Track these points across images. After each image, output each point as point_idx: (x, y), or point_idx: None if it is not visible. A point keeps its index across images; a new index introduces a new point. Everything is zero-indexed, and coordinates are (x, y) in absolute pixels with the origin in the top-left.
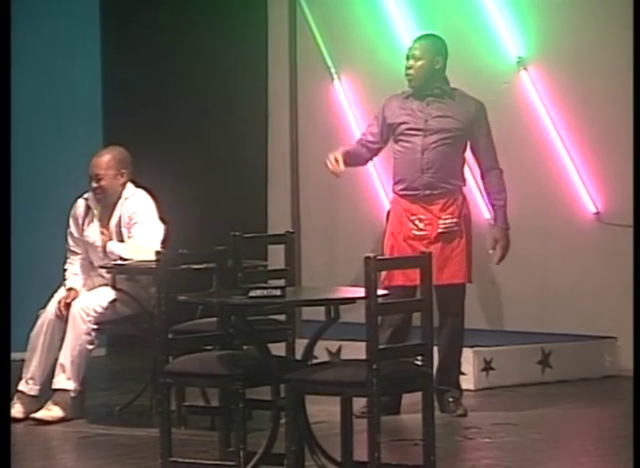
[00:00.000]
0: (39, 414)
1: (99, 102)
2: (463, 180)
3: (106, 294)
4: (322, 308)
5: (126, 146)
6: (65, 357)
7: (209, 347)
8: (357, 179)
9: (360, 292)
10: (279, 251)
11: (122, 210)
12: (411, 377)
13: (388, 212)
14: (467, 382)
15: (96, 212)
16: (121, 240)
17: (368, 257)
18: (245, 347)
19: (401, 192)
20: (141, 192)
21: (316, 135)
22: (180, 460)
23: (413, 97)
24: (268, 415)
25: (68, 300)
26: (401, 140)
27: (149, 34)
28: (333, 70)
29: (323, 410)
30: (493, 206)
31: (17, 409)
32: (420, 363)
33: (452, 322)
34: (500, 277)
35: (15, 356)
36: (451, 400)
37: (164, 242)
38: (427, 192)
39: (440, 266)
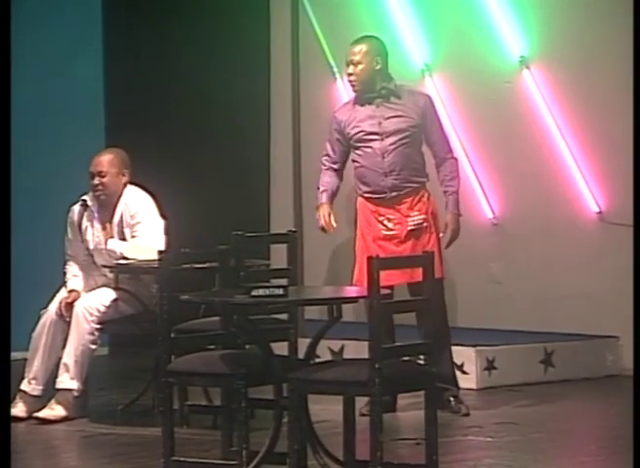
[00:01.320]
0: (42, 414)
1: (101, 103)
2: (426, 176)
3: (109, 294)
4: (324, 307)
5: (128, 146)
6: (69, 356)
7: (211, 346)
8: None
9: (362, 291)
10: (281, 250)
11: (123, 210)
12: (413, 377)
13: (356, 213)
14: (470, 381)
15: (93, 209)
16: (123, 240)
17: (370, 257)
18: (247, 346)
19: (367, 195)
20: (142, 192)
21: (319, 134)
22: (183, 459)
23: (360, 102)
24: (271, 415)
25: (69, 301)
26: (359, 146)
27: (152, 35)
28: (335, 69)
29: (325, 410)
30: (445, 192)
31: (19, 409)
32: (422, 362)
33: (438, 318)
34: (502, 276)
35: (15, 355)
36: (452, 399)
37: (168, 241)
38: (394, 194)
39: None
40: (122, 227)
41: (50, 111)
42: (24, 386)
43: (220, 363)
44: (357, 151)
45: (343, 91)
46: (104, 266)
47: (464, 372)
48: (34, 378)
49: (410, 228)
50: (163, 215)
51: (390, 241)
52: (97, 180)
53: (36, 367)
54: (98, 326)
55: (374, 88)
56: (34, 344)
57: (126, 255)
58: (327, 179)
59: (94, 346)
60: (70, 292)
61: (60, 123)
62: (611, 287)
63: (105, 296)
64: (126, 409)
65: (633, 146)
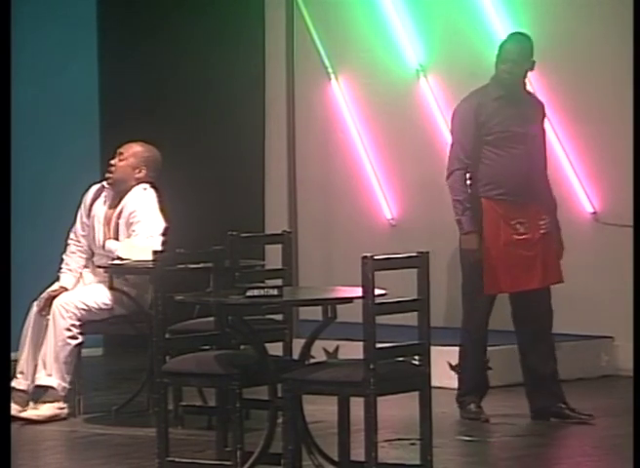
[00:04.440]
0: (26, 414)
1: (96, 101)
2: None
3: (97, 293)
4: (319, 308)
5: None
6: (45, 354)
7: (206, 347)
8: (354, 179)
9: (357, 291)
10: (276, 250)
11: (124, 205)
12: (408, 377)
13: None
14: None
15: (106, 195)
16: (117, 233)
17: (365, 257)
18: (242, 347)
19: (498, 197)
20: (150, 192)
21: (313, 134)
22: (178, 460)
23: (505, 99)
24: (265, 415)
25: (54, 295)
26: (501, 146)
27: (146, 35)
28: (330, 70)
29: (320, 410)
30: None
31: (12, 408)
32: (417, 362)
33: (550, 325)
34: None
35: (13, 356)
36: (563, 406)
37: (164, 242)
38: (528, 197)
39: (544, 269)
40: (118, 219)
41: (45, 110)
42: (13, 382)
43: (214, 363)
44: (496, 150)
45: (338, 91)
46: (99, 267)
47: (460, 373)
48: (21, 372)
49: (542, 231)
50: (166, 219)
51: (521, 245)
52: (113, 161)
53: (23, 360)
54: (75, 322)
55: (520, 87)
56: (22, 338)
57: (120, 255)
58: (466, 190)
59: (74, 342)
60: (60, 287)
61: (54, 122)
62: (606, 287)
63: (87, 294)
64: (120, 410)
65: (633, 147)
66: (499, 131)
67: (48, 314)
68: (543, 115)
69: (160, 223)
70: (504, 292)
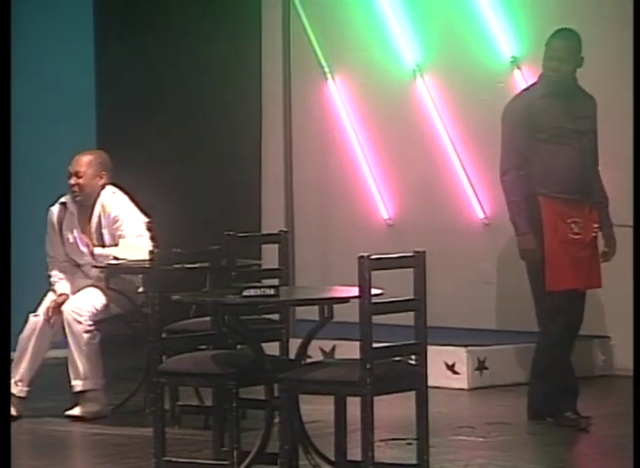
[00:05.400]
0: (73, 412)
1: (92, 102)
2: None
3: (96, 294)
4: (316, 307)
5: (119, 145)
6: (75, 361)
7: (202, 347)
8: (351, 179)
9: (354, 291)
10: (273, 250)
11: (100, 211)
12: (404, 377)
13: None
14: (461, 382)
15: (72, 210)
16: (102, 241)
17: (362, 257)
18: (239, 347)
19: (556, 195)
20: (119, 193)
21: (310, 134)
22: (174, 460)
23: (554, 96)
24: (262, 415)
25: (59, 302)
26: (555, 142)
27: (143, 35)
28: (327, 70)
29: (317, 410)
30: (599, 203)
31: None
32: (413, 362)
33: (579, 329)
34: (493, 276)
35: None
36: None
37: (153, 237)
38: (584, 196)
39: (589, 271)
40: (100, 230)
41: (41, 111)
42: (12, 388)
43: (211, 363)
44: (549, 147)
45: (335, 91)
46: (95, 267)
47: (456, 373)
48: (20, 380)
49: (594, 234)
50: (145, 213)
51: (575, 245)
52: (73, 181)
53: (23, 369)
54: (90, 322)
55: (570, 84)
56: (22, 346)
57: (117, 256)
58: (520, 190)
59: (95, 341)
60: (60, 295)
61: (51, 123)
62: (602, 287)
63: (93, 296)
64: (117, 410)
65: (633, 147)
66: (550, 127)
67: (56, 323)
68: (595, 111)
69: (142, 220)
70: (562, 288)
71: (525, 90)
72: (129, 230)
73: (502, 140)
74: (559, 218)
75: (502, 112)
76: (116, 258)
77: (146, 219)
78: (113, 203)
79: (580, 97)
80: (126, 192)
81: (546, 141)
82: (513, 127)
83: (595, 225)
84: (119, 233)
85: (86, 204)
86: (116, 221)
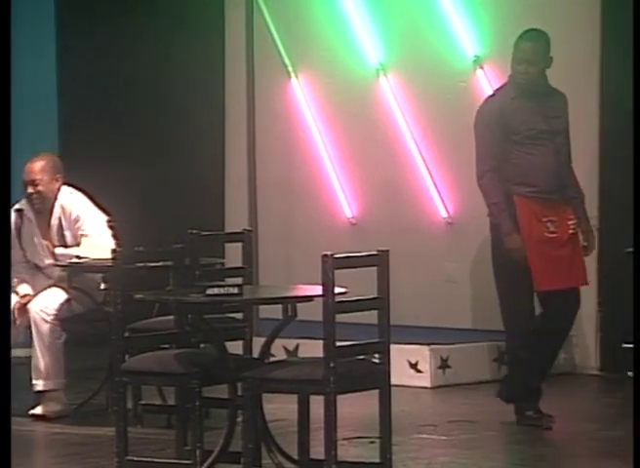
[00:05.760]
0: (35, 410)
1: (54, 102)
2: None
3: (59, 293)
4: (279, 306)
5: (82, 145)
6: (38, 359)
7: (165, 345)
8: (315, 178)
9: (317, 290)
10: (236, 249)
11: (60, 213)
12: (368, 375)
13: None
14: (424, 380)
15: (30, 216)
16: (63, 242)
17: (325, 256)
18: (202, 345)
19: (531, 194)
20: (76, 193)
21: (274, 133)
22: (137, 459)
23: (525, 97)
24: (225, 414)
25: (24, 302)
26: (528, 144)
27: (106, 34)
28: (290, 69)
29: (280, 409)
30: (574, 198)
31: None
32: (377, 360)
33: (568, 328)
34: (456, 275)
35: None
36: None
37: (115, 236)
38: (560, 195)
39: (569, 269)
40: (62, 231)
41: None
42: None
43: (174, 362)
44: (523, 149)
45: (298, 90)
46: (57, 265)
47: (419, 371)
48: None
49: (571, 231)
50: (104, 211)
51: (551, 244)
52: (31, 189)
53: None
54: (56, 322)
55: (541, 85)
56: None
57: (81, 255)
58: (500, 191)
59: (60, 341)
60: (24, 296)
61: (13, 123)
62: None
63: (57, 295)
64: (79, 409)
65: (633, 147)
66: (524, 129)
67: (22, 324)
68: (567, 109)
69: (102, 218)
70: (543, 289)
71: (495, 92)
72: (91, 229)
73: (477, 145)
74: (534, 218)
75: (475, 116)
76: (79, 257)
77: (107, 217)
78: (73, 203)
79: (551, 96)
80: (82, 191)
81: (521, 143)
82: (487, 130)
83: (571, 222)
84: (81, 232)
85: (44, 208)
86: (77, 221)
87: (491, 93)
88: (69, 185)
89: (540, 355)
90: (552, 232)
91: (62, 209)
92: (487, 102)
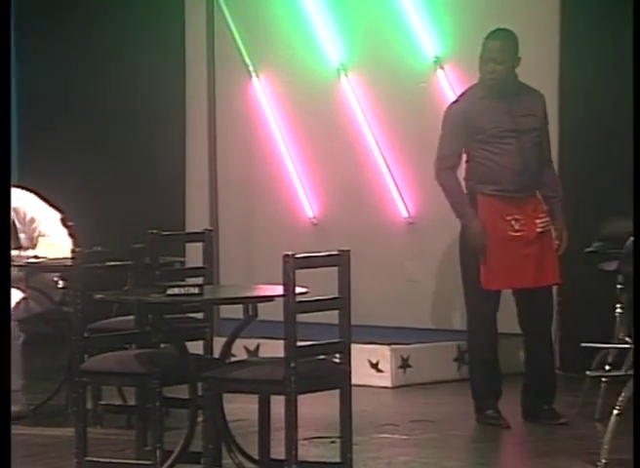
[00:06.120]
0: None
1: (12, 104)
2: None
3: (16, 294)
4: (240, 306)
5: (41, 144)
6: None
7: (126, 346)
8: (276, 177)
9: (278, 290)
10: (197, 249)
11: (14, 215)
12: (328, 375)
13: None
14: (385, 379)
15: None
16: (18, 244)
17: (286, 255)
18: (162, 345)
19: (495, 193)
20: (26, 193)
21: (234, 133)
22: (96, 460)
23: (492, 97)
24: (185, 414)
25: None
26: (493, 143)
27: (63, 34)
28: (251, 68)
29: (240, 409)
30: (552, 197)
31: None
32: (337, 360)
33: (549, 325)
34: (417, 275)
35: None
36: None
37: (71, 234)
38: (525, 193)
39: (538, 267)
40: (16, 233)
41: None
42: None
43: (134, 362)
44: (488, 148)
45: (259, 89)
46: (13, 265)
47: (380, 371)
48: None
49: (539, 230)
50: (56, 209)
51: (517, 242)
52: None
53: None
54: (14, 322)
55: (509, 84)
56: None
57: (39, 255)
58: (459, 184)
59: (18, 342)
60: None
61: None
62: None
63: (14, 296)
64: (38, 409)
65: (633, 147)
66: (489, 128)
67: None
68: (543, 107)
69: (56, 216)
70: (500, 288)
71: (465, 92)
72: (47, 229)
73: (440, 143)
74: (497, 216)
75: (443, 116)
76: (37, 257)
77: (60, 216)
78: (26, 205)
79: (522, 95)
80: (33, 191)
81: (485, 142)
82: (451, 129)
83: (540, 221)
84: (37, 233)
85: None
86: (33, 222)
87: (456, 93)
88: (20, 187)
89: (534, 361)
90: (517, 230)
91: (16, 211)
92: (454, 103)
